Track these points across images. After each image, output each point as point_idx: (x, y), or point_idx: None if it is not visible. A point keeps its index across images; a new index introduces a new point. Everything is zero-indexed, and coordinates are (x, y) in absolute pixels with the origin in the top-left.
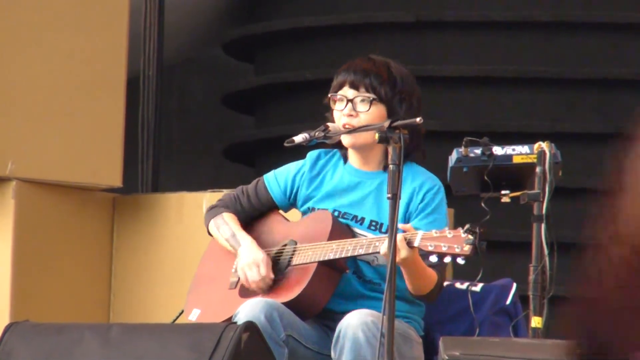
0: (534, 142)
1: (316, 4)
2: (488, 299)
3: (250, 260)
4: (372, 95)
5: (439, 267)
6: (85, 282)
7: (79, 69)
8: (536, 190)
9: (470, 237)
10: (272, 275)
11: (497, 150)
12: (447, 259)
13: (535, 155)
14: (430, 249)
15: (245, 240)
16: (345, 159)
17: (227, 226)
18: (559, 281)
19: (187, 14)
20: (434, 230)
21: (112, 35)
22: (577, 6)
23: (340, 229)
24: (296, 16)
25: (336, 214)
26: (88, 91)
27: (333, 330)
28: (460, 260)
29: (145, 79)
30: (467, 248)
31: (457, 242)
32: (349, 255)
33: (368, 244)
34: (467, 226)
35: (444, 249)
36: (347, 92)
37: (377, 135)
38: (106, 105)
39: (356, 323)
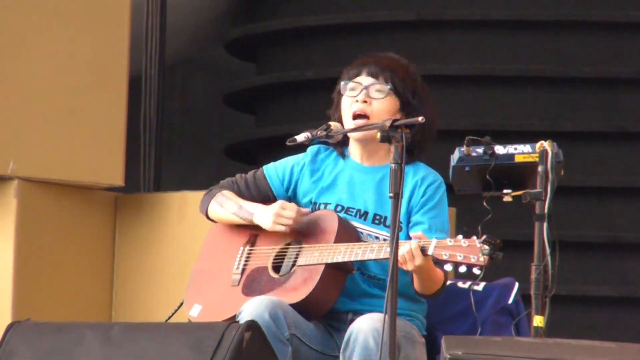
0: (535, 141)
1: (318, 3)
2: (490, 298)
3: (272, 214)
4: (389, 85)
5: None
6: (87, 281)
7: (80, 69)
8: (538, 189)
9: (487, 247)
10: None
11: (499, 149)
12: (463, 269)
13: (537, 154)
14: (444, 257)
15: (256, 207)
16: (343, 156)
17: (231, 201)
18: (561, 280)
19: (189, 13)
20: (448, 239)
21: (114, 35)
22: (578, 5)
23: (347, 231)
24: (298, 15)
25: (339, 208)
26: (90, 90)
27: (336, 329)
28: (476, 270)
29: (147, 78)
30: (483, 259)
31: (473, 252)
32: (358, 259)
33: (379, 248)
34: (484, 237)
35: (459, 259)
36: (363, 79)
37: (379, 135)
38: (108, 105)
39: (367, 328)
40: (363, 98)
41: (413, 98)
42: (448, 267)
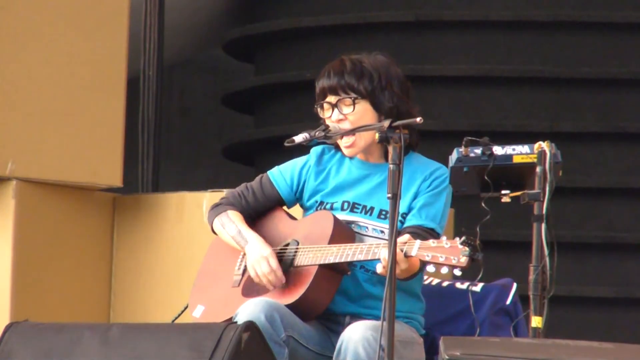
0: (533, 142)
1: (316, 3)
2: (488, 299)
3: (258, 256)
4: (352, 95)
5: None
6: (85, 281)
7: (79, 69)
8: (536, 190)
9: (467, 248)
10: (281, 272)
11: (498, 150)
12: (444, 270)
13: (535, 155)
14: (427, 259)
15: (252, 237)
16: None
17: (232, 224)
18: (559, 281)
19: (187, 13)
20: (431, 240)
21: (112, 35)
22: (576, 6)
23: (342, 231)
24: (296, 16)
25: (345, 205)
26: (88, 91)
27: (334, 332)
28: (456, 272)
29: (146, 79)
30: (463, 260)
31: (454, 254)
32: (348, 260)
33: (367, 250)
34: (463, 237)
35: (440, 260)
36: (330, 98)
37: (377, 136)
38: (106, 105)
39: (357, 338)
40: (337, 118)
41: (374, 91)
42: (430, 269)
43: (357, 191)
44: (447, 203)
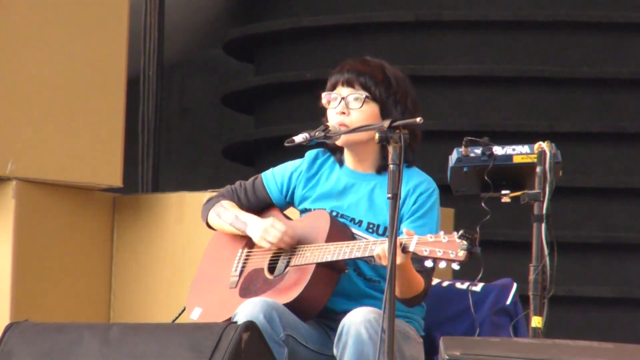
0: (533, 142)
1: (316, 3)
2: (488, 299)
3: (261, 230)
4: (365, 93)
5: (427, 273)
6: (85, 281)
7: (79, 69)
8: (536, 190)
9: (465, 242)
10: (292, 230)
11: (498, 150)
12: (442, 264)
13: (535, 155)
14: (425, 253)
15: (250, 219)
16: (341, 163)
17: (227, 211)
18: (559, 281)
19: (187, 13)
20: (429, 235)
21: (112, 35)
22: (576, 6)
23: (339, 230)
24: (296, 16)
25: (334, 214)
26: (88, 91)
27: (334, 330)
28: (454, 266)
29: (146, 79)
30: (461, 254)
31: (452, 248)
32: (345, 257)
33: (365, 246)
34: (461, 231)
35: (438, 254)
36: (341, 90)
37: (377, 135)
38: (106, 105)
39: (359, 320)
40: (341, 110)
41: (388, 99)
42: (429, 263)
43: (343, 201)
44: (439, 212)
